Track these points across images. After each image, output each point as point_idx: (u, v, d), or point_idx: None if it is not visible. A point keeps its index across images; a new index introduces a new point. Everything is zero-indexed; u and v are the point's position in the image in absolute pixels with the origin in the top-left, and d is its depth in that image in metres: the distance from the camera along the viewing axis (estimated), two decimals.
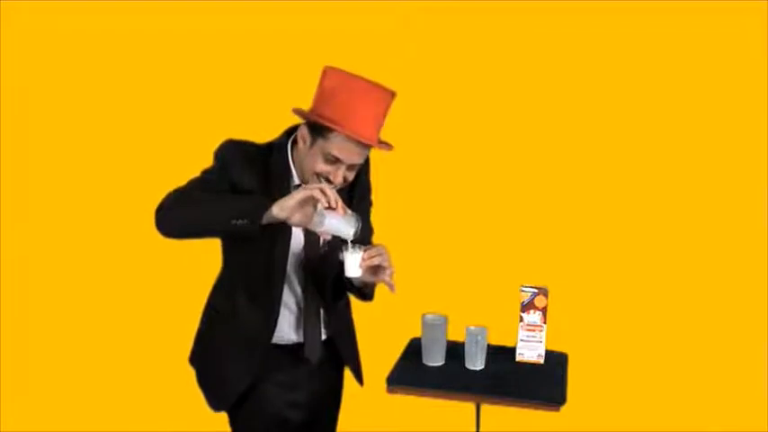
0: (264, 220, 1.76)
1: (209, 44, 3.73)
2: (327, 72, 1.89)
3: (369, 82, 1.87)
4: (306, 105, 1.94)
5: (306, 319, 2.08)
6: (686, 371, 3.60)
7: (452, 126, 3.81)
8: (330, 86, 1.86)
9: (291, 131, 2.01)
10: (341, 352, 2.22)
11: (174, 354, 3.52)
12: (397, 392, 2.12)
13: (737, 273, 3.75)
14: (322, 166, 1.87)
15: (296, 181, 1.97)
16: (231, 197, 1.87)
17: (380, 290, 2.29)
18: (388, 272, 1.88)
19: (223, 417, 2.20)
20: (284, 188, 1.93)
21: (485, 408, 2.16)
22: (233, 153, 1.93)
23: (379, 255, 1.87)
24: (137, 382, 3.53)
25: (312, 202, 1.76)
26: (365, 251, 1.87)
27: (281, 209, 1.76)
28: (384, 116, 1.91)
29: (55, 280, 3.83)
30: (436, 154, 3.77)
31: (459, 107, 3.80)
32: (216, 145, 1.97)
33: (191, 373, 2.24)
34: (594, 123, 3.81)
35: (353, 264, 1.85)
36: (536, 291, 2.21)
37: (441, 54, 3.77)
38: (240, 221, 1.75)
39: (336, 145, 1.84)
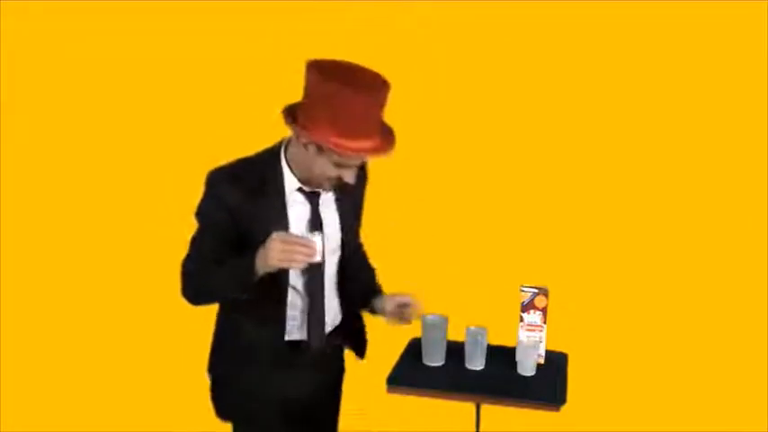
0: (255, 279, 1.88)
1: (208, 44, 3.73)
2: (314, 75, 1.82)
3: (362, 85, 1.82)
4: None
5: (310, 315, 2.08)
6: (686, 370, 3.60)
7: (453, 127, 3.81)
8: (325, 96, 1.79)
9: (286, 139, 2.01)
10: (349, 329, 2.23)
11: (173, 354, 3.53)
12: (397, 392, 2.12)
13: (737, 272, 3.75)
14: (333, 171, 1.89)
15: (295, 184, 1.97)
16: (229, 270, 1.94)
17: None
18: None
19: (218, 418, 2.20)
20: (279, 193, 1.97)
21: (485, 408, 2.16)
22: (217, 180, 1.97)
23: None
24: (136, 383, 3.53)
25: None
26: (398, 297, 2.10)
27: (265, 268, 1.85)
28: (383, 112, 1.90)
29: (53, 280, 3.83)
30: (436, 155, 3.77)
31: (460, 108, 3.80)
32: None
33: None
34: (594, 124, 3.81)
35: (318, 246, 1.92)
36: (536, 291, 2.21)
37: (440, 53, 3.77)
38: (241, 290, 1.93)
39: (349, 156, 1.86)
